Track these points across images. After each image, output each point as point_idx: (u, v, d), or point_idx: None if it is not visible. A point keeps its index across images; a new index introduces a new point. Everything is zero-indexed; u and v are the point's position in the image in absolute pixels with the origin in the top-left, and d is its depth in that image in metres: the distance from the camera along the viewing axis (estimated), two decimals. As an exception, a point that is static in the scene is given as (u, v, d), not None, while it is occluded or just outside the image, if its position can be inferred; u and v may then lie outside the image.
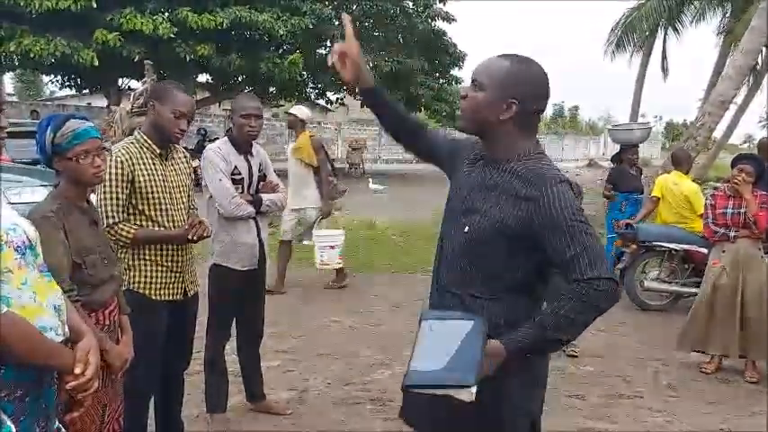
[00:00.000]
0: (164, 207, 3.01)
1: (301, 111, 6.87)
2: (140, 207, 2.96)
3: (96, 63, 16.59)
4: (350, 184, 19.14)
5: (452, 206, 2.00)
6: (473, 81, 1.89)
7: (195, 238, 3.04)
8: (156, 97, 3.06)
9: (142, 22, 16.56)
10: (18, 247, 1.62)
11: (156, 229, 3.00)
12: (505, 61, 1.87)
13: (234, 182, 3.59)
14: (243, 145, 3.65)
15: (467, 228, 1.89)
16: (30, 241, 1.68)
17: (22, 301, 1.60)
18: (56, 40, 16.27)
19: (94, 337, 1.85)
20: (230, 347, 3.85)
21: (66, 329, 1.75)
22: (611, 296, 1.75)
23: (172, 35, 16.88)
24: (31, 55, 16.36)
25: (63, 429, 1.80)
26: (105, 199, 2.88)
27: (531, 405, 1.96)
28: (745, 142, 52.65)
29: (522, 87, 1.84)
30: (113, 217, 2.89)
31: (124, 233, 2.91)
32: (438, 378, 1.67)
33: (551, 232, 1.75)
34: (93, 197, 2.75)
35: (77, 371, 1.70)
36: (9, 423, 1.49)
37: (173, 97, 3.00)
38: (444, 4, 24.50)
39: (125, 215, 2.94)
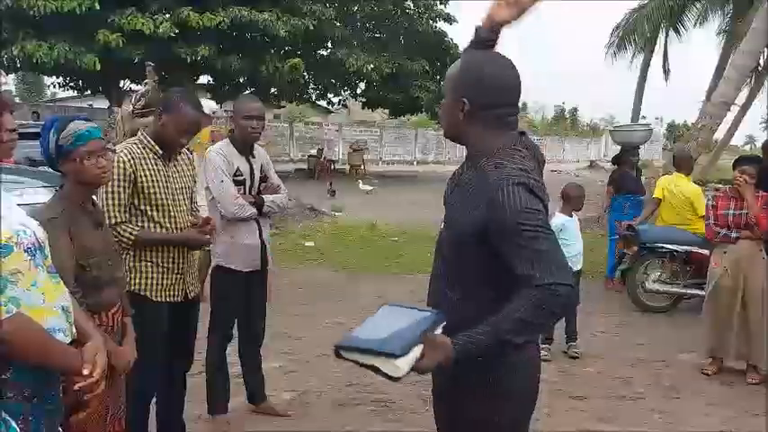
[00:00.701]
0: (166, 208, 3.02)
1: (206, 104, 6.65)
2: (142, 207, 2.97)
3: (98, 67, 16.62)
4: (352, 185, 19.23)
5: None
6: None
7: (208, 236, 3.11)
8: (164, 106, 3.06)
9: (143, 22, 16.58)
10: (28, 248, 1.63)
11: (159, 230, 3.01)
12: (457, 62, 1.90)
13: (236, 183, 3.59)
14: (245, 146, 3.66)
15: (442, 225, 1.94)
16: (39, 243, 1.69)
17: (32, 303, 1.61)
18: (59, 46, 16.30)
19: (101, 339, 1.86)
20: (232, 349, 3.85)
21: (74, 330, 1.76)
22: (567, 302, 1.70)
23: (172, 35, 16.90)
24: (34, 60, 16.39)
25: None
26: (107, 199, 2.89)
27: (499, 419, 1.86)
28: (746, 143, 52.63)
29: (468, 83, 1.84)
30: (115, 217, 2.90)
31: (127, 234, 2.92)
32: (366, 342, 1.62)
33: (504, 236, 1.70)
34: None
35: (85, 372, 1.71)
36: (14, 424, 1.50)
37: (180, 112, 3.01)
38: (445, 5, 24.50)
39: (127, 215, 2.94)
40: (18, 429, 1.53)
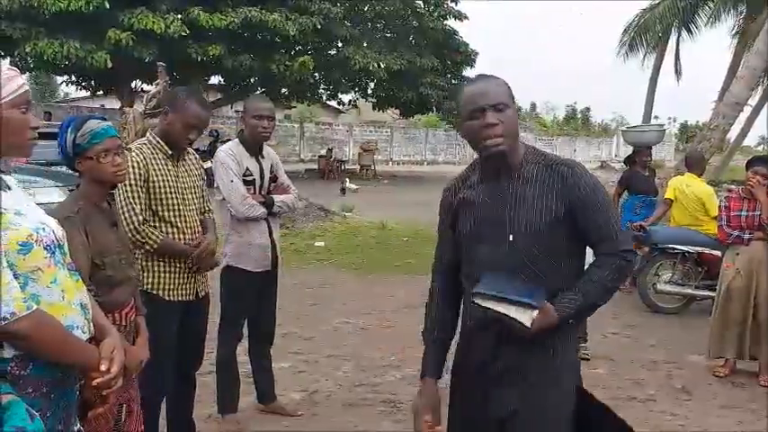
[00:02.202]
0: (176, 208, 3.04)
1: None
2: (153, 207, 3.00)
3: (109, 65, 16.71)
4: (363, 185, 19.25)
5: (471, 230, 2.02)
6: (495, 107, 1.92)
7: (196, 264, 3.09)
8: (169, 104, 3.09)
9: (153, 21, 16.66)
10: (47, 246, 1.66)
11: (170, 230, 3.03)
12: (493, 81, 2.01)
13: (245, 183, 3.60)
14: (254, 146, 3.67)
15: (511, 237, 1.94)
16: (58, 240, 1.72)
17: (51, 300, 1.64)
18: (69, 43, 16.41)
19: (118, 336, 1.88)
20: (242, 348, 3.86)
21: (92, 327, 1.78)
22: (633, 266, 2.02)
23: (183, 34, 16.97)
24: (45, 57, 16.51)
25: (81, 429, 1.82)
26: (129, 197, 2.92)
27: (574, 386, 2.04)
28: (759, 144, 52.18)
29: (511, 92, 2.03)
30: (142, 213, 2.93)
31: (153, 237, 2.96)
32: (507, 293, 1.85)
33: (587, 211, 1.92)
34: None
35: (103, 368, 1.73)
36: (38, 417, 1.53)
37: (185, 108, 3.03)
38: (456, 3, 24.45)
39: (148, 215, 2.97)
40: (42, 425, 1.55)
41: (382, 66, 20.91)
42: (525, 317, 1.83)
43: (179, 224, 3.06)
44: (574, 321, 1.95)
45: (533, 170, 1.96)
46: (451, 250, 2.12)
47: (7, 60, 17.66)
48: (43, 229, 1.67)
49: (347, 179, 19.70)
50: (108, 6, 16.22)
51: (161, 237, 2.98)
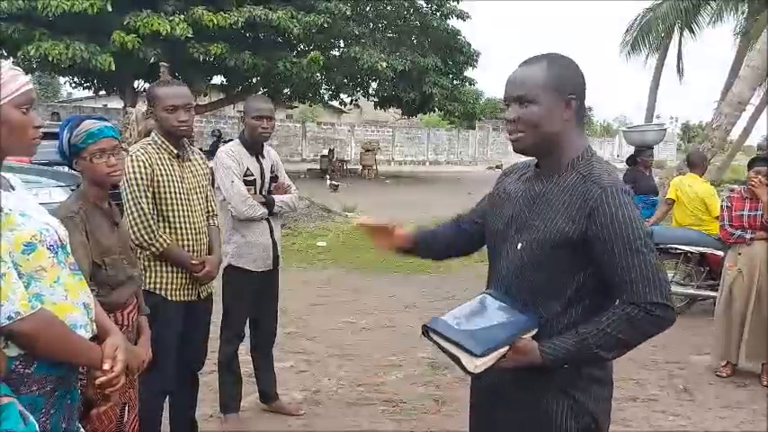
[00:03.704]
0: (181, 208, 3.04)
1: None
2: (158, 208, 3.00)
3: (113, 68, 16.67)
4: (363, 185, 19.26)
5: (499, 228, 1.86)
6: (518, 99, 1.72)
7: (201, 275, 3.10)
8: (149, 102, 3.09)
9: (159, 23, 16.63)
10: (51, 246, 1.67)
11: (175, 232, 3.03)
12: (540, 65, 1.73)
13: (246, 183, 3.61)
14: (254, 146, 3.67)
15: (520, 245, 1.76)
16: (61, 240, 1.73)
17: (55, 299, 1.65)
18: (73, 45, 16.38)
19: (121, 335, 1.89)
20: (244, 348, 3.87)
21: (95, 327, 1.80)
22: (663, 323, 1.65)
23: (188, 35, 16.94)
24: (50, 58, 16.49)
25: (81, 429, 1.83)
26: (137, 197, 2.92)
27: (593, 405, 1.78)
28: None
29: (573, 80, 1.74)
30: (151, 213, 2.94)
31: (161, 240, 2.97)
32: (453, 333, 1.65)
33: (606, 245, 1.64)
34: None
35: (106, 367, 1.75)
36: (32, 418, 1.53)
37: (160, 95, 3.02)
38: (458, 2, 24.46)
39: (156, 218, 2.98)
40: (36, 424, 1.55)
41: (385, 65, 20.90)
42: (468, 361, 1.63)
43: (184, 225, 3.05)
44: (566, 366, 1.68)
45: (570, 180, 1.71)
46: (473, 212, 2.06)
47: (10, 61, 17.62)
48: (47, 229, 1.68)
49: (328, 177, 20.16)
50: (111, 9, 16.17)
51: (168, 241, 2.99)
